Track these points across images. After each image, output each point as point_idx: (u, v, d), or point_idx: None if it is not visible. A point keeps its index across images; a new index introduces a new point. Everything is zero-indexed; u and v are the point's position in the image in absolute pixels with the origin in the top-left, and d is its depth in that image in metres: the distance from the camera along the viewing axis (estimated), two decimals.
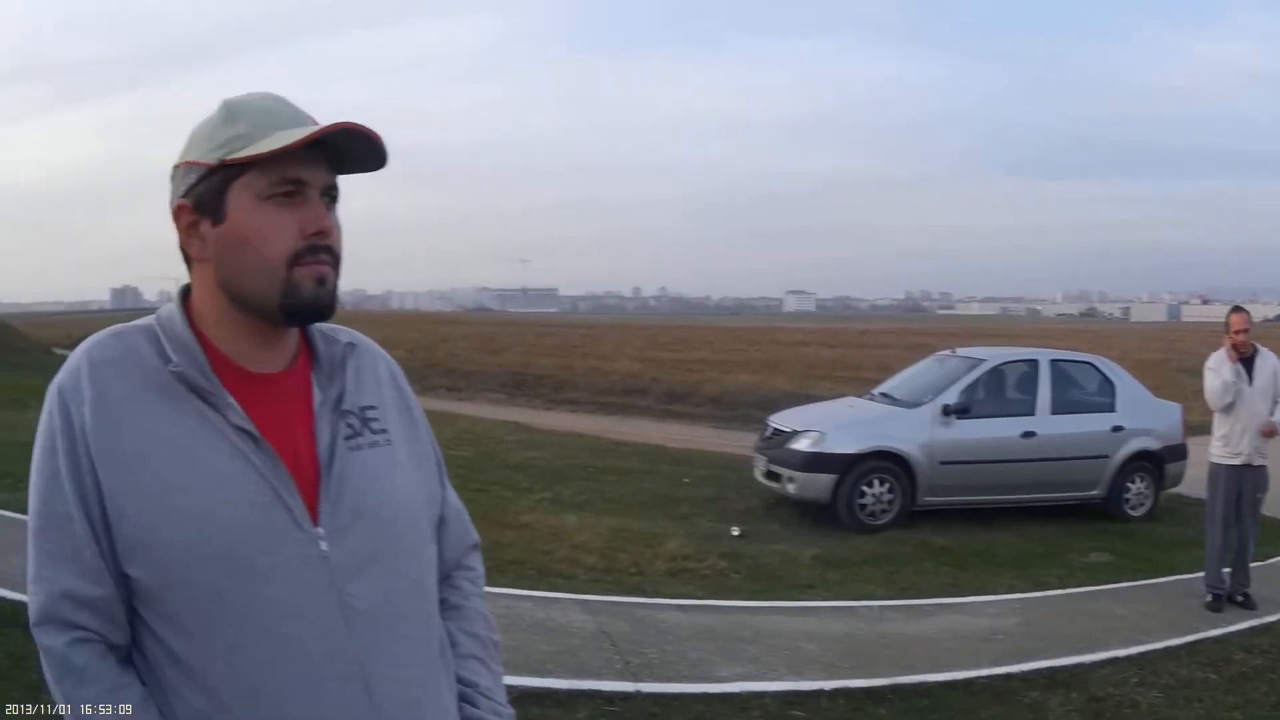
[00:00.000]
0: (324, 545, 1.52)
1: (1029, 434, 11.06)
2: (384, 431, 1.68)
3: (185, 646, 1.47)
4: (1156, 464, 11.65)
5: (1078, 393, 11.87)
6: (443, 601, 1.80)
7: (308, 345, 1.69)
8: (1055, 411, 11.32)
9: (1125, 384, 11.96)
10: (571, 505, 11.00)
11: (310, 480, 1.56)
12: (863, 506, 10.51)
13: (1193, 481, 11.57)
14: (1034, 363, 11.70)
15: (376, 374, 1.76)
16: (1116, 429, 11.47)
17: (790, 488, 10.81)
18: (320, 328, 1.71)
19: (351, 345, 1.72)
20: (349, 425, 1.64)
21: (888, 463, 10.63)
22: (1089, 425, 11.45)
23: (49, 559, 1.49)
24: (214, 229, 1.55)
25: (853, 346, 44.97)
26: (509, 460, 13.80)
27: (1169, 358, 34.70)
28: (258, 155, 1.50)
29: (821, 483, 10.54)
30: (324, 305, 1.57)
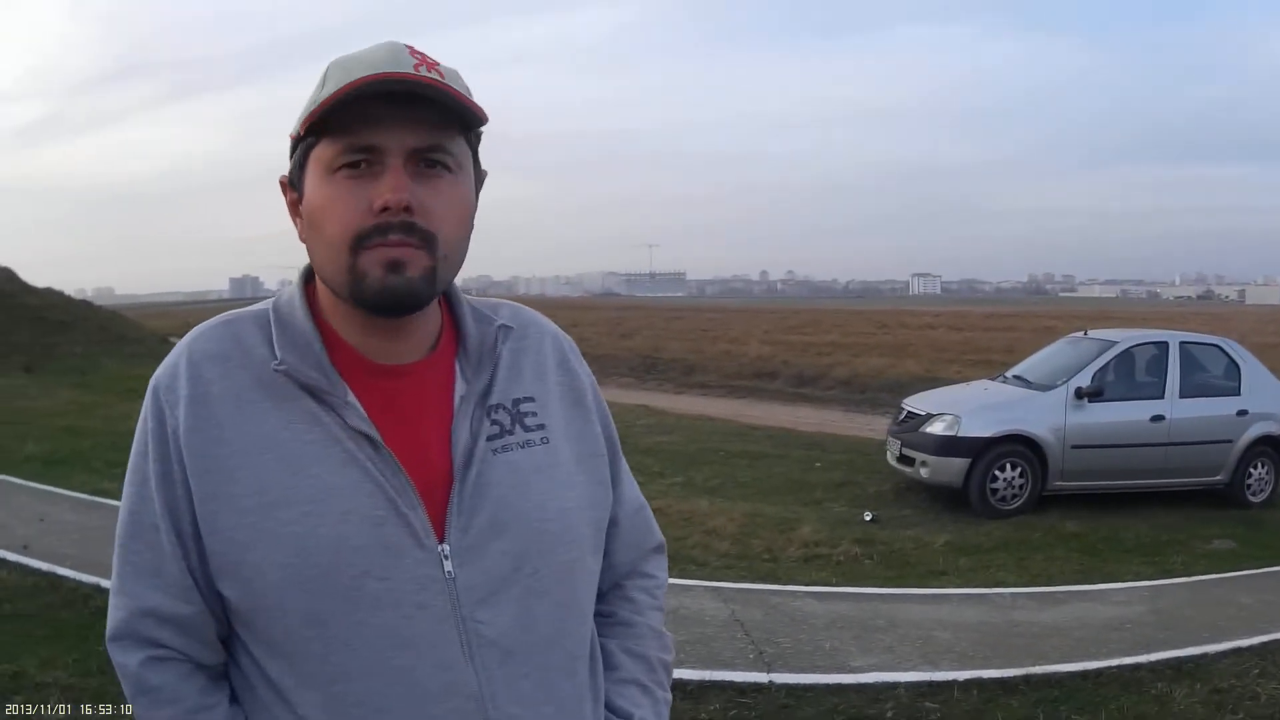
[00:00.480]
0: (449, 565, 1.35)
1: (1158, 418, 10.91)
2: (541, 428, 1.47)
3: (282, 672, 1.35)
4: (1278, 449, 11.41)
5: (1205, 376, 11.65)
6: (610, 615, 1.62)
7: (456, 328, 1.49)
8: (1184, 395, 11.14)
9: (1251, 367, 11.71)
10: (704, 490, 11.19)
11: (442, 489, 1.38)
12: (994, 491, 10.48)
13: None
14: (1164, 345, 11.50)
15: (540, 357, 1.54)
16: (1241, 413, 11.24)
17: (923, 472, 10.83)
18: (476, 305, 1.52)
19: (506, 327, 1.50)
20: (495, 422, 1.44)
21: (1021, 447, 10.58)
22: (1216, 409, 11.24)
23: (133, 572, 1.38)
24: (301, 207, 1.39)
25: (979, 329, 44.23)
26: (640, 445, 13.97)
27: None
28: (309, 119, 1.32)
29: (955, 467, 10.53)
30: (399, 295, 1.32)
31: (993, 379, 12.83)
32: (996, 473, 10.47)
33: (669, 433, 15.31)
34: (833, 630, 6.71)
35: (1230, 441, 11.10)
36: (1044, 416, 10.73)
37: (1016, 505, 10.51)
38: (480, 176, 1.46)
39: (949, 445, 10.60)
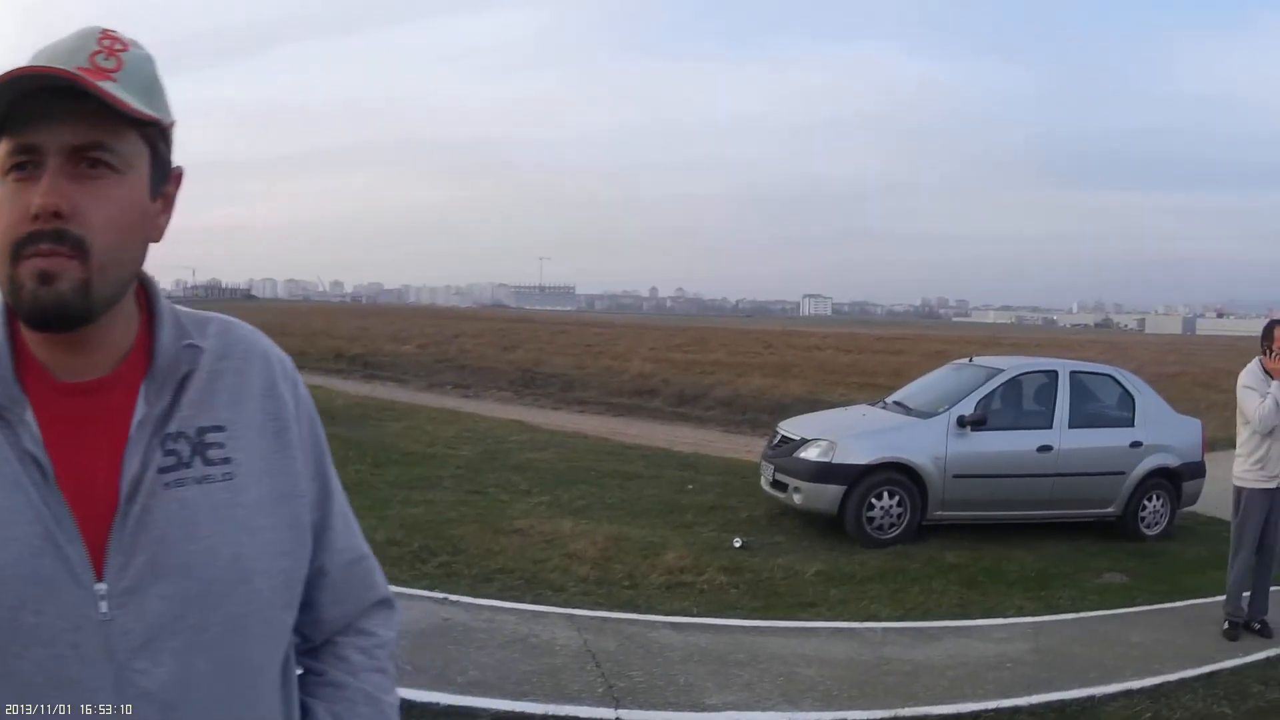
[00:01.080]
0: (104, 606, 1.20)
1: (1045, 448, 10.68)
2: (225, 462, 1.30)
3: None
4: (1174, 482, 11.27)
5: (1096, 406, 11.48)
6: (320, 675, 1.48)
7: (150, 343, 1.33)
8: (1073, 425, 10.92)
9: (1145, 397, 11.56)
10: (570, 510, 10.69)
11: (107, 523, 1.22)
12: (871, 520, 10.12)
13: (1208, 499, 11.24)
14: (1053, 373, 11.29)
15: (242, 381, 1.37)
16: (1135, 444, 11.08)
17: (796, 498, 10.42)
18: (183, 318, 1.36)
19: (195, 346, 1.33)
20: (172, 452, 1.27)
21: (899, 475, 10.23)
22: (1107, 440, 11.07)
23: None
24: None
25: (868, 352, 44.39)
26: (510, 461, 13.48)
27: (1185, 370, 34.35)
28: None
29: (829, 494, 10.15)
30: (48, 310, 1.20)
31: (873, 404, 12.49)
32: (874, 501, 10.11)
33: (541, 449, 14.76)
34: (690, 664, 6.35)
35: (1123, 473, 10.93)
36: (924, 444, 10.40)
37: (894, 534, 10.17)
38: (169, 176, 1.33)
39: (823, 472, 10.21)
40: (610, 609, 7.37)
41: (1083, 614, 8.11)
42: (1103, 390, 11.66)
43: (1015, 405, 11.24)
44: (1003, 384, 10.99)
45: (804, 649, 6.82)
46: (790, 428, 11.31)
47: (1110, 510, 11.01)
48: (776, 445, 11.16)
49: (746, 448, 17.12)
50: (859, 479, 10.10)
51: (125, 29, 1.27)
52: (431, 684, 5.49)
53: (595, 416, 21.73)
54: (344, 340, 34.69)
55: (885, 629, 7.37)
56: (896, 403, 11.82)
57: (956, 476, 10.35)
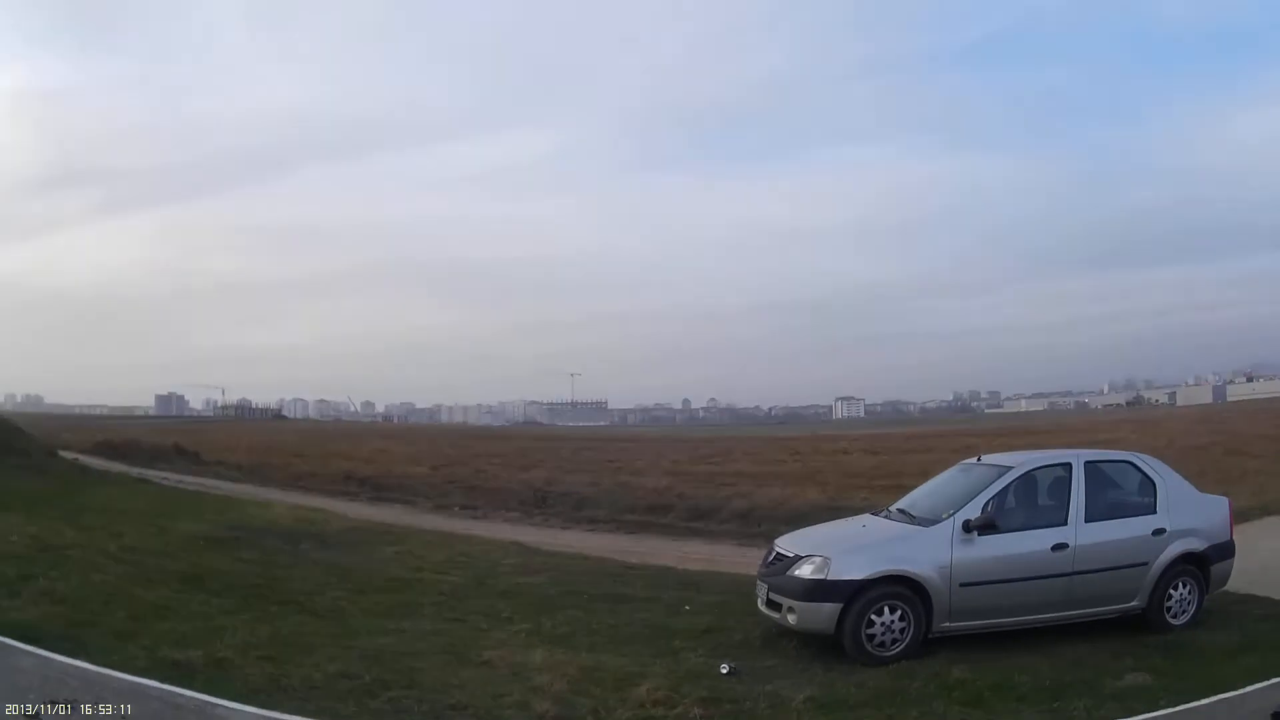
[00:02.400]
0: None
1: (1060, 546, 9.90)
2: None
3: None
4: (1202, 566, 10.52)
5: (1115, 494, 10.69)
6: None
7: None
8: (1090, 519, 10.15)
9: (1167, 480, 10.79)
10: (550, 639, 9.93)
11: None
12: (871, 637, 9.33)
13: (1240, 576, 10.54)
14: (1066, 466, 10.50)
15: None
16: (1158, 531, 10.34)
17: (791, 619, 9.66)
18: None
19: None
20: None
21: (900, 588, 9.46)
22: (1128, 531, 10.32)
23: None
24: None
25: (897, 452, 43.62)
26: (498, 587, 12.73)
27: (1215, 440, 33.38)
28: None
29: (824, 613, 9.38)
30: None
31: (875, 514, 11.67)
32: (874, 617, 9.34)
33: (534, 574, 13.99)
34: None
35: (1146, 564, 10.21)
36: (926, 554, 9.65)
37: (897, 650, 9.39)
38: None
39: (818, 589, 9.46)
40: None
41: None
42: (1122, 478, 10.88)
43: (1026, 504, 10.48)
44: (1012, 483, 10.27)
45: None
46: (785, 544, 10.56)
47: (1134, 604, 10.24)
48: (771, 563, 10.42)
49: (758, 560, 16.40)
50: (856, 594, 9.35)
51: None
52: None
53: (605, 534, 21.07)
54: (359, 462, 34.13)
55: None
56: (900, 510, 11.05)
57: (964, 585, 9.56)
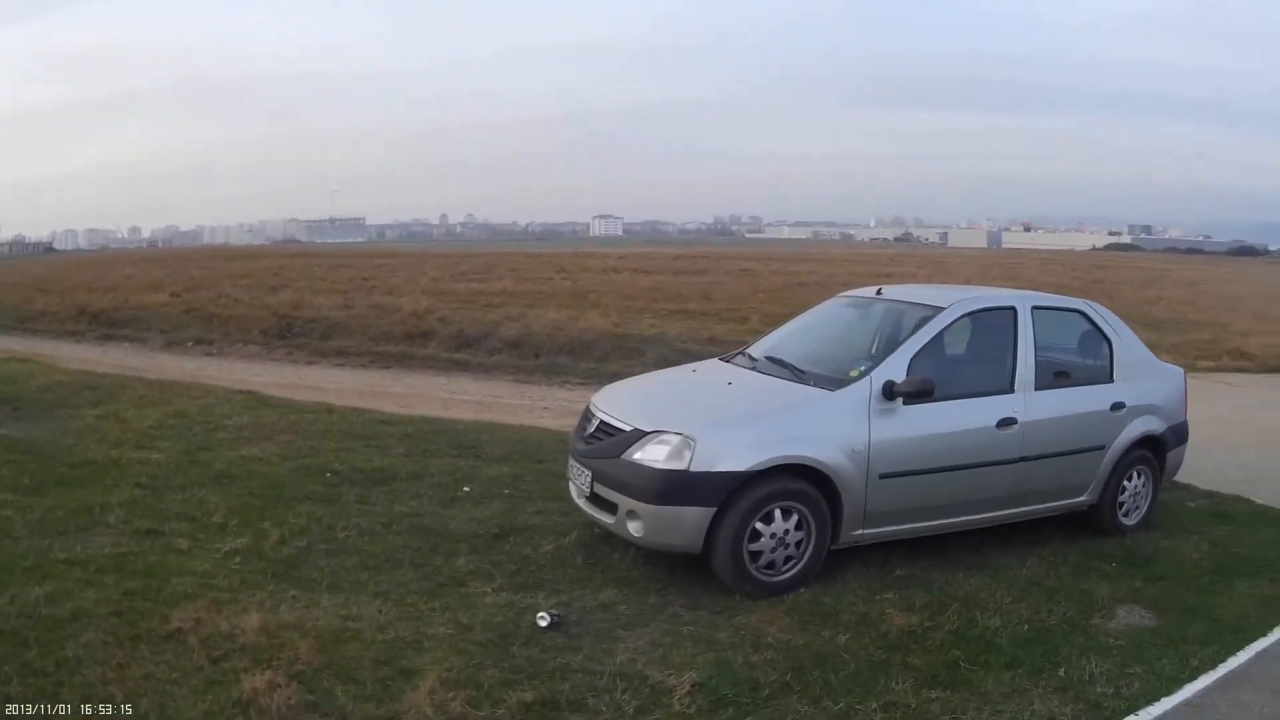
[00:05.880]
0: None
1: (1008, 421, 7.02)
2: None
3: None
4: (1158, 452, 7.96)
5: (1065, 355, 7.91)
6: None
7: None
8: (1040, 386, 7.29)
9: (1124, 339, 8.05)
10: (274, 568, 6.47)
11: None
12: (756, 555, 6.27)
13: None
14: (1009, 311, 7.49)
15: None
16: (1116, 406, 7.66)
17: (632, 528, 6.38)
18: None
19: None
20: None
21: (799, 482, 6.34)
22: (1083, 403, 7.60)
23: None
24: None
25: (669, 273, 41.08)
26: (214, 465, 8.95)
27: (1021, 288, 31.73)
28: None
29: (687, 521, 6.17)
30: None
31: (727, 359, 8.23)
32: (760, 526, 6.24)
33: (263, 439, 10.21)
34: None
35: (1102, 448, 7.56)
36: (833, 430, 6.50)
37: (792, 572, 6.40)
38: None
39: (678, 486, 6.19)
40: None
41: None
42: (1068, 334, 8.06)
43: (961, 363, 7.51)
44: (944, 330, 7.18)
45: None
46: (612, 408, 7.11)
47: (1082, 499, 7.63)
48: (593, 436, 7.01)
49: (543, 405, 13.60)
50: (736, 495, 6.17)
51: None
52: None
53: (357, 371, 17.61)
54: (100, 293, 29.35)
55: None
56: (773, 360, 7.66)
57: (884, 476, 6.55)
